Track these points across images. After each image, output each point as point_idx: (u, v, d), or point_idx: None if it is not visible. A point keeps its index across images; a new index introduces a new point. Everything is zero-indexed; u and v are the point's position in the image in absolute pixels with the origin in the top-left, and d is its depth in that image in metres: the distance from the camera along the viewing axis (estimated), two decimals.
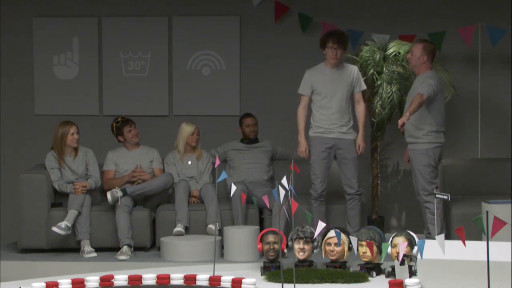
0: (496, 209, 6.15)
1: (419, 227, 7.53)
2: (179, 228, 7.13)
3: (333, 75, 7.20)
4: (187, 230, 7.23)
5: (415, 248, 5.44)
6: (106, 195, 7.23)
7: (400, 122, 6.68)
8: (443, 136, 7.04)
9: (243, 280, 5.34)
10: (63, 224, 7.03)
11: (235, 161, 7.86)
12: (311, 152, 7.27)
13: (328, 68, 7.22)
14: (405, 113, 6.71)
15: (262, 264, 5.98)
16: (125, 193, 7.24)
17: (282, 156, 8.03)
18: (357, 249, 5.57)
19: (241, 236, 6.85)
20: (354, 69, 7.29)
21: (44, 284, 5.32)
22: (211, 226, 7.16)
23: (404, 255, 5.32)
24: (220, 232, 7.08)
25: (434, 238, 6.81)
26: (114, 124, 7.71)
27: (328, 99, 7.18)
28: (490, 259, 4.33)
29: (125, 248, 7.02)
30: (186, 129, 7.71)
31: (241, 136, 7.99)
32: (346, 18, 8.40)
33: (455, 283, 5.06)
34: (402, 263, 5.40)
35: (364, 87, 7.35)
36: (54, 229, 7.01)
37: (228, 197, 7.43)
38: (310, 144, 7.26)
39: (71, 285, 5.43)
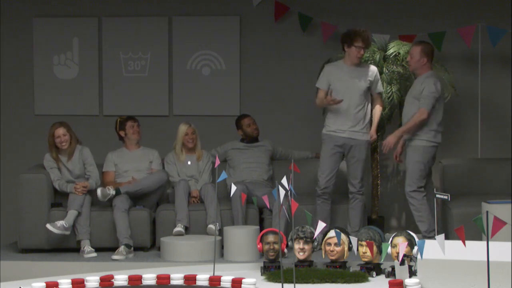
0: (496, 209, 6.15)
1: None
2: (179, 228, 7.13)
3: (352, 73, 7.15)
4: (187, 230, 7.23)
5: (415, 248, 5.44)
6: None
7: (390, 141, 6.83)
8: (440, 137, 7.06)
9: (243, 280, 5.34)
10: (58, 223, 7.03)
11: (235, 161, 7.85)
12: (322, 148, 7.25)
13: (347, 66, 7.18)
14: (400, 130, 6.85)
15: (262, 264, 5.98)
16: (118, 192, 7.24)
17: (282, 156, 8.03)
18: (357, 249, 5.57)
19: (241, 236, 6.86)
20: (374, 70, 7.25)
21: (44, 284, 5.32)
22: (211, 226, 7.16)
23: (404, 255, 5.32)
24: (220, 232, 7.08)
25: (428, 236, 6.85)
26: (119, 119, 7.72)
27: (342, 97, 7.12)
28: (490, 259, 4.33)
29: (121, 248, 7.01)
30: (181, 130, 7.70)
31: (241, 136, 7.99)
32: (346, 18, 8.39)
33: (455, 283, 5.06)
34: (402, 263, 5.40)
35: (382, 89, 7.32)
36: (48, 226, 6.99)
37: (228, 197, 7.43)
38: (322, 141, 7.25)
39: (71, 285, 5.43)
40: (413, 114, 6.94)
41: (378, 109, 7.31)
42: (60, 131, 7.33)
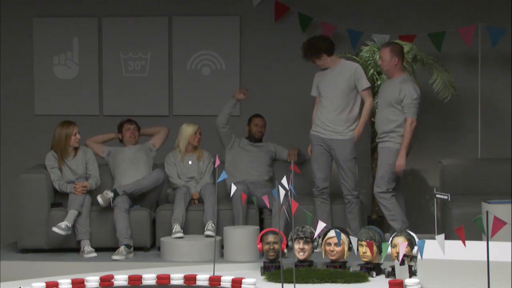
0: (496, 209, 6.15)
1: (419, 227, 7.53)
2: (178, 231, 7.07)
3: (332, 75, 7.18)
4: (183, 230, 7.19)
5: (415, 248, 5.43)
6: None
7: (399, 167, 6.83)
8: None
9: (243, 280, 5.33)
10: (63, 224, 7.04)
11: (237, 159, 7.84)
12: (311, 150, 7.29)
13: (329, 69, 7.21)
14: (403, 150, 6.85)
15: (262, 264, 5.97)
16: (116, 193, 7.25)
17: (282, 158, 7.94)
18: (357, 249, 5.57)
19: (241, 236, 6.86)
20: (353, 68, 7.21)
21: (44, 284, 5.31)
22: (208, 233, 7.09)
23: (404, 255, 5.32)
24: (217, 232, 7.07)
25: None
26: (118, 123, 7.81)
27: (325, 99, 7.18)
28: (490, 259, 4.33)
29: (121, 248, 7.02)
30: (188, 129, 7.70)
31: (246, 134, 7.94)
32: (346, 18, 8.40)
33: (455, 283, 5.06)
34: (402, 263, 5.40)
35: (367, 85, 7.23)
36: (54, 229, 7.02)
37: (228, 197, 7.43)
38: (310, 141, 7.28)
39: (71, 285, 5.42)
40: (388, 120, 6.91)
41: (365, 108, 7.21)
42: (76, 128, 7.37)
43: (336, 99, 7.14)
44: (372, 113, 7.84)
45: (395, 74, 6.99)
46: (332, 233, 5.83)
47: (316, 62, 7.17)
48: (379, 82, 7.75)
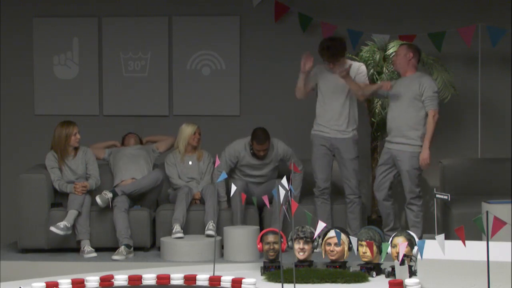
0: (496, 209, 6.15)
1: None
2: (178, 231, 7.06)
3: (334, 74, 7.17)
4: (183, 230, 7.19)
5: (415, 248, 5.43)
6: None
7: (424, 160, 6.79)
8: None
9: (243, 280, 5.34)
10: (61, 224, 7.04)
11: (242, 172, 7.75)
12: (312, 149, 7.26)
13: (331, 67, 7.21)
14: (426, 142, 6.83)
15: (262, 264, 5.97)
16: (115, 193, 7.25)
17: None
18: (357, 249, 5.57)
19: (241, 236, 6.86)
20: (355, 67, 7.21)
21: (44, 284, 5.31)
22: (209, 232, 7.08)
23: (404, 255, 5.32)
24: (217, 232, 7.06)
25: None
26: (123, 136, 7.90)
27: (327, 97, 7.17)
28: (490, 259, 4.33)
29: (121, 248, 7.02)
30: (188, 130, 7.69)
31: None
32: (346, 18, 8.40)
33: (455, 283, 5.06)
34: (402, 263, 5.40)
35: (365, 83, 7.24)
36: (52, 228, 7.01)
37: (228, 197, 7.42)
38: (311, 141, 7.26)
39: (71, 285, 5.42)
40: (411, 117, 6.91)
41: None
42: (76, 128, 7.37)
43: (341, 98, 7.14)
44: (373, 114, 7.86)
45: (409, 71, 6.98)
46: (332, 233, 5.83)
47: (341, 61, 7.12)
48: (379, 82, 7.74)
